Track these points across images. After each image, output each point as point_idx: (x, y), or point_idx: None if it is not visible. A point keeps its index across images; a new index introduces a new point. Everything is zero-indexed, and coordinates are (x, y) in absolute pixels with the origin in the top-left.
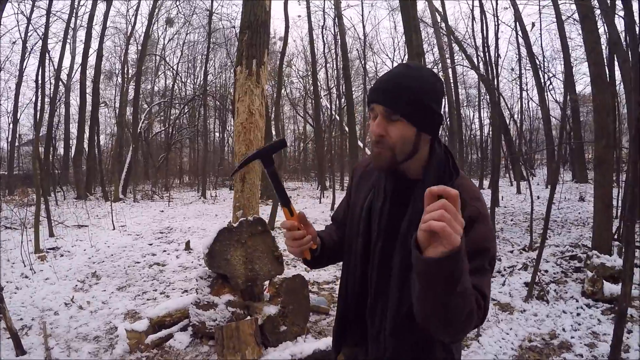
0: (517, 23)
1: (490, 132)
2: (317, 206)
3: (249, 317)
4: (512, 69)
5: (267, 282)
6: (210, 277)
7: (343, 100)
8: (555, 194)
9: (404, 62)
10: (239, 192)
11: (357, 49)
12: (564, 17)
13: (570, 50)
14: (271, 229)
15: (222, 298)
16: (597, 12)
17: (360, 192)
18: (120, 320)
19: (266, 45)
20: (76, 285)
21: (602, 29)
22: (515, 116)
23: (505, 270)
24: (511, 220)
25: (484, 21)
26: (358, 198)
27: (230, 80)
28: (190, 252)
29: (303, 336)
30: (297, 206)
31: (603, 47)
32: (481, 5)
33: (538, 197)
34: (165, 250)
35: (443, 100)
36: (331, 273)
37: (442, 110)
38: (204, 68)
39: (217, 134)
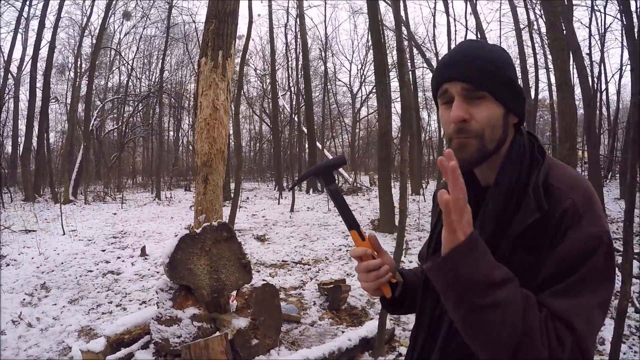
0: (478, 31)
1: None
2: (275, 207)
3: (218, 333)
4: None
5: (233, 292)
6: (171, 289)
7: (302, 100)
8: None
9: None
10: (201, 194)
11: (319, 48)
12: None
13: (526, 57)
14: None
15: (186, 312)
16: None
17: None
18: (74, 338)
19: (234, 36)
20: (24, 299)
21: None
22: None
23: None
24: None
25: (450, 27)
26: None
27: (187, 77)
28: (146, 259)
29: (276, 349)
30: (255, 207)
31: None
32: (447, 11)
33: None
34: (119, 257)
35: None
36: (297, 278)
37: None
38: (160, 64)
39: (171, 133)
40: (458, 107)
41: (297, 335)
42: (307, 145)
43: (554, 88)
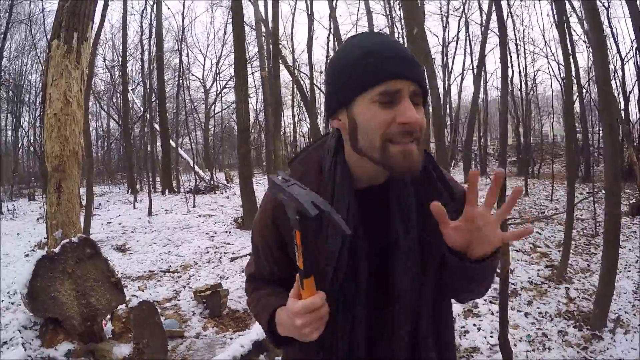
0: (335, 37)
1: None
2: (131, 212)
3: None
4: (321, 72)
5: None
6: (37, 324)
7: (154, 94)
8: None
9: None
10: (54, 205)
11: (176, 40)
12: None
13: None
14: None
15: (59, 349)
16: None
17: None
18: None
19: (91, 17)
20: None
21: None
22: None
23: None
24: None
25: (311, 28)
26: (313, 246)
27: (29, 66)
28: None
29: None
30: (110, 214)
31: None
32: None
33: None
34: None
35: None
36: (169, 288)
37: None
38: None
39: (10, 133)
40: (414, 109)
41: (184, 351)
42: (159, 144)
43: None
